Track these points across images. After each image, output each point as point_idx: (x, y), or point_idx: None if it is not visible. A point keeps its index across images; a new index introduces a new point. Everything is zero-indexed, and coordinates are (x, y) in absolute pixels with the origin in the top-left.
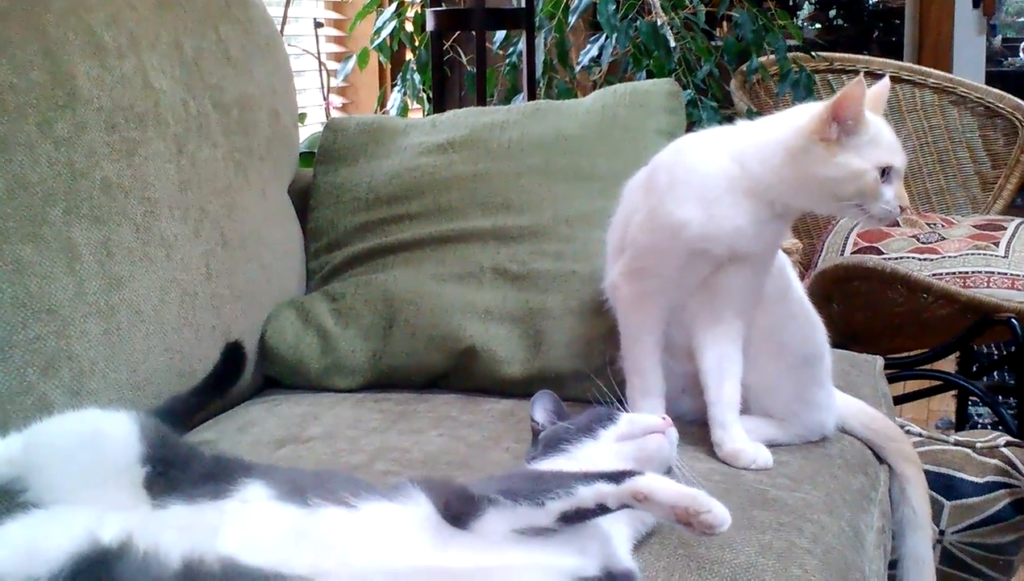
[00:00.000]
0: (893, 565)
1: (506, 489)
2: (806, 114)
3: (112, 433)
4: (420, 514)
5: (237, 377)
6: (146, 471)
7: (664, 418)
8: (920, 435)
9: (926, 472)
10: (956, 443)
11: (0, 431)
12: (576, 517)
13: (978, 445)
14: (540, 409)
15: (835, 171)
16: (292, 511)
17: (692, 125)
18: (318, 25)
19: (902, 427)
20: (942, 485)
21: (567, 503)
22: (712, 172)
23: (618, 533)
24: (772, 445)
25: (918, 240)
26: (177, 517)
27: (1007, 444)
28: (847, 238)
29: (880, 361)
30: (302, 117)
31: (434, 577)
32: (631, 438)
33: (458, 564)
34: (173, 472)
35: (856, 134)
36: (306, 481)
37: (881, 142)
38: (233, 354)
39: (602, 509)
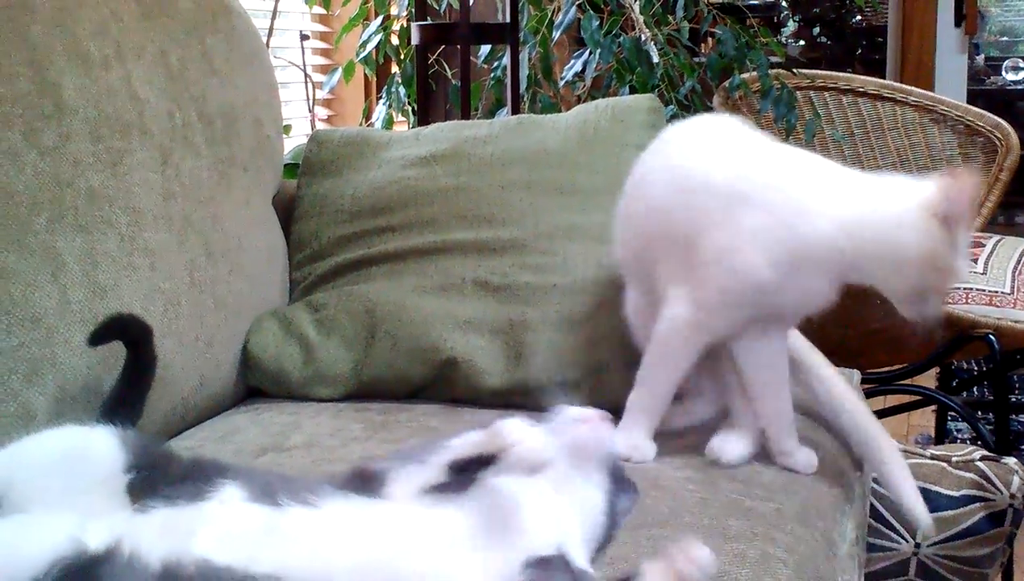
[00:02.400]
0: (870, 577)
1: (397, 455)
2: (926, 188)
3: (95, 448)
4: (336, 498)
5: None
6: (129, 478)
7: (601, 412)
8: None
9: None
10: (932, 457)
11: None
12: (463, 467)
13: (954, 459)
14: None
15: (940, 257)
16: (263, 511)
17: None
18: (304, 37)
19: None
20: None
21: (447, 455)
22: (817, 241)
23: (572, 537)
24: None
25: None
26: (157, 520)
27: (983, 458)
28: None
29: (857, 375)
30: (287, 129)
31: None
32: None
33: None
34: (154, 476)
35: (962, 229)
36: (277, 482)
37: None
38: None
39: (484, 462)
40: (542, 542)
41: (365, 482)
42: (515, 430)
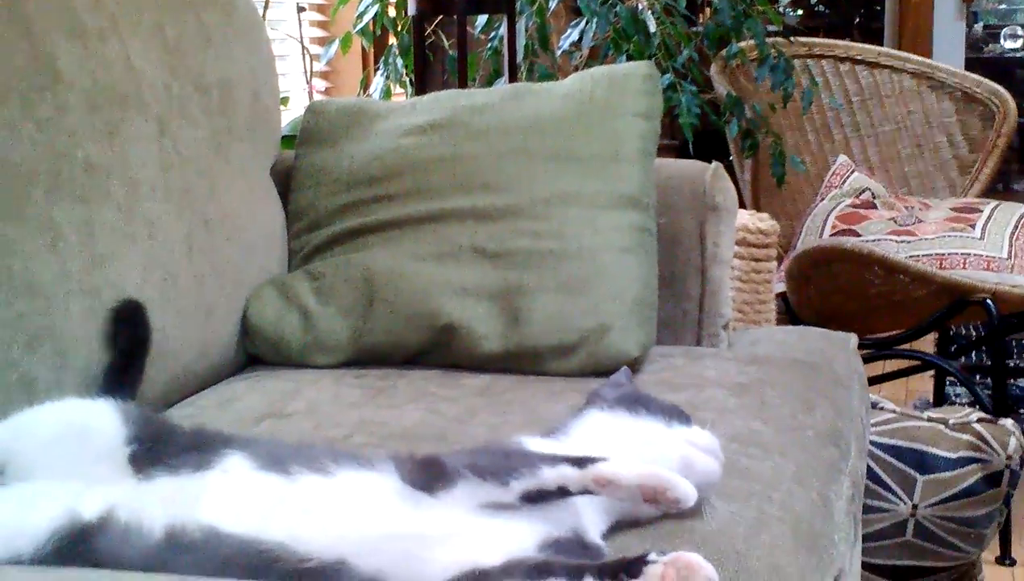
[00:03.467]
0: (868, 538)
1: (474, 465)
2: None
3: (95, 420)
4: (392, 482)
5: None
6: (131, 450)
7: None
8: (894, 411)
9: (900, 447)
10: (929, 419)
11: None
12: (538, 497)
13: (951, 421)
14: (608, 388)
15: None
16: (272, 480)
17: (672, 109)
18: (301, 10)
19: (876, 404)
20: (915, 460)
21: (530, 483)
22: None
23: (589, 513)
24: None
25: (896, 222)
26: (161, 489)
27: (979, 420)
28: (826, 220)
29: (854, 338)
30: (285, 101)
31: (405, 541)
32: (699, 451)
33: (427, 529)
34: (157, 447)
35: None
36: (285, 452)
37: None
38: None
39: (563, 492)
40: (557, 522)
41: (431, 477)
42: (615, 474)
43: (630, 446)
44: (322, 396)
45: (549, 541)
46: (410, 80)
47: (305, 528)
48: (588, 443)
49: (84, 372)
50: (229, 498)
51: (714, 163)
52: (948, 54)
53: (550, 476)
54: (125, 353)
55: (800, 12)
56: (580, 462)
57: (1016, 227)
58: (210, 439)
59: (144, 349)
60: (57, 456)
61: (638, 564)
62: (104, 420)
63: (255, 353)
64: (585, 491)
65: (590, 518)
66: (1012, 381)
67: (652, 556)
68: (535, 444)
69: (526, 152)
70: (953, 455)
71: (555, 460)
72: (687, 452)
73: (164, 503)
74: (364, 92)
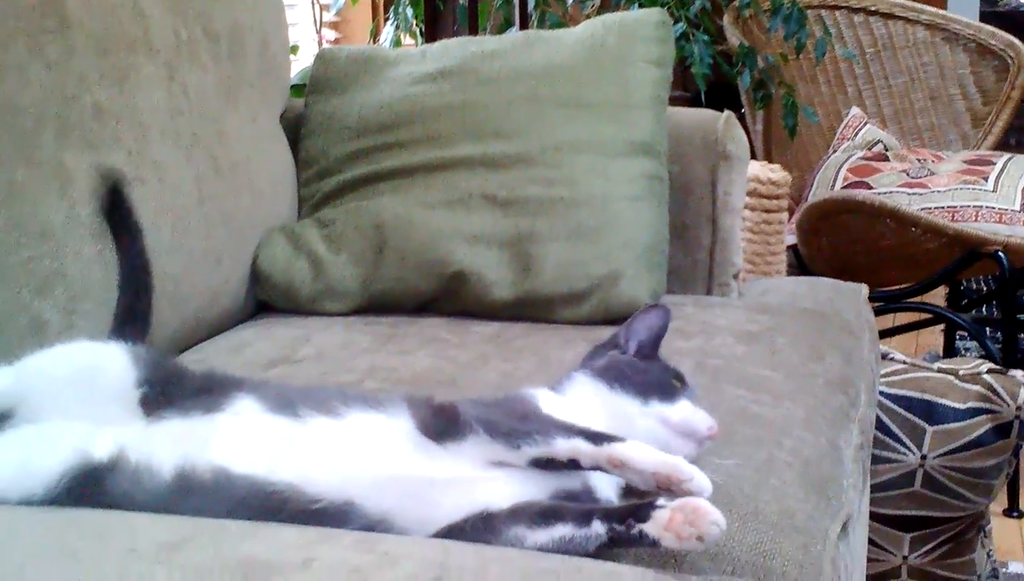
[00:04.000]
0: (876, 488)
1: (488, 421)
2: None
3: (106, 362)
4: (403, 426)
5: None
6: (141, 392)
7: (711, 427)
8: (904, 362)
9: (909, 398)
10: (940, 370)
11: None
12: (548, 465)
13: (961, 372)
14: (637, 328)
15: None
16: (282, 422)
17: (684, 60)
18: None
19: (886, 355)
20: (924, 411)
21: (541, 451)
22: None
23: (601, 478)
24: None
25: (908, 175)
26: (171, 430)
27: (989, 371)
28: (838, 172)
29: (864, 289)
30: (294, 50)
31: (414, 484)
32: (672, 431)
33: (437, 473)
34: (168, 390)
35: None
36: (295, 395)
37: None
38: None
39: (574, 464)
40: (568, 479)
41: (443, 425)
42: (630, 458)
43: (603, 419)
44: (332, 342)
45: (560, 493)
46: (420, 30)
47: (314, 470)
48: (577, 406)
49: (95, 316)
50: (239, 440)
51: (726, 111)
52: (963, 6)
53: (563, 448)
54: (130, 292)
55: None
56: (596, 439)
57: None
58: (220, 382)
59: (148, 284)
60: (68, 398)
61: (646, 509)
62: (115, 362)
63: (265, 300)
64: (596, 467)
65: (601, 481)
66: (1023, 334)
67: (660, 501)
68: (547, 400)
69: (537, 99)
70: (963, 406)
71: (570, 431)
72: (656, 431)
73: (175, 445)
74: (374, 42)
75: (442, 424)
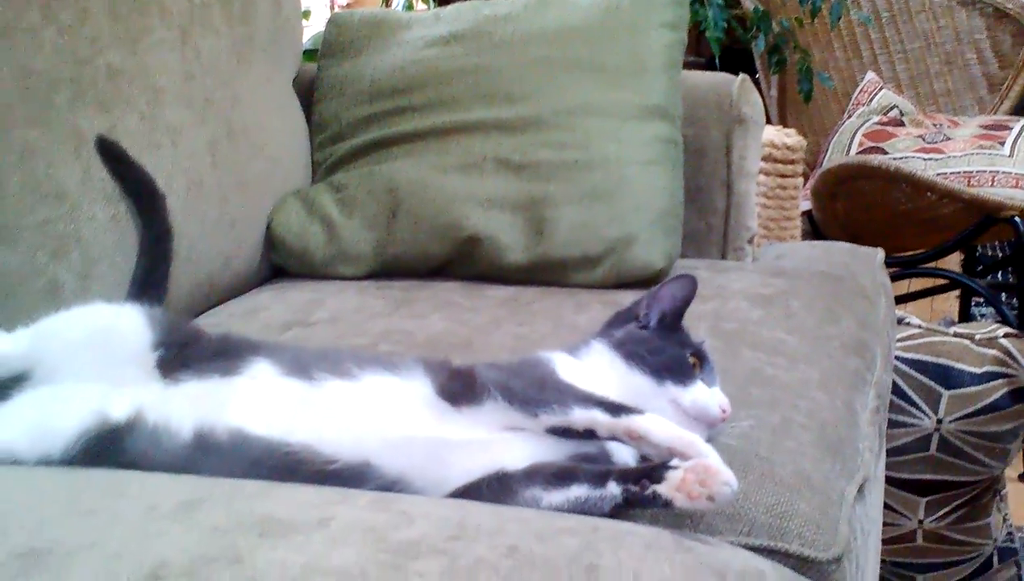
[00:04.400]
0: (892, 452)
1: (506, 387)
2: None
3: (122, 324)
4: (419, 388)
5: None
6: (158, 355)
7: (724, 410)
8: (920, 327)
9: (925, 363)
10: (956, 335)
11: (11, 315)
12: (565, 434)
13: (977, 337)
14: (662, 298)
15: None
16: (297, 385)
17: (698, 24)
18: None
19: (902, 319)
20: (940, 375)
21: (559, 419)
22: None
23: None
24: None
25: (923, 140)
26: (188, 392)
27: (1006, 335)
28: (853, 138)
29: (880, 253)
30: (306, 15)
31: (429, 445)
32: (684, 414)
33: (453, 435)
34: (184, 352)
35: None
36: (310, 358)
37: None
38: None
39: (591, 434)
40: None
41: (460, 388)
42: (648, 431)
43: (618, 390)
44: (346, 306)
45: (577, 456)
46: None
47: (330, 431)
48: (594, 374)
49: (109, 279)
50: (256, 402)
51: (741, 75)
52: None
53: (580, 418)
54: (150, 256)
55: None
56: (614, 410)
57: None
58: (236, 345)
59: (168, 250)
60: (85, 360)
61: (660, 470)
62: (132, 324)
63: (279, 264)
64: (613, 438)
65: (619, 445)
66: None
67: (674, 462)
68: (564, 365)
69: (550, 62)
70: (979, 370)
71: (588, 401)
72: (668, 413)
73: (192, 406)
74: (386, 5)
75: (459, 387)
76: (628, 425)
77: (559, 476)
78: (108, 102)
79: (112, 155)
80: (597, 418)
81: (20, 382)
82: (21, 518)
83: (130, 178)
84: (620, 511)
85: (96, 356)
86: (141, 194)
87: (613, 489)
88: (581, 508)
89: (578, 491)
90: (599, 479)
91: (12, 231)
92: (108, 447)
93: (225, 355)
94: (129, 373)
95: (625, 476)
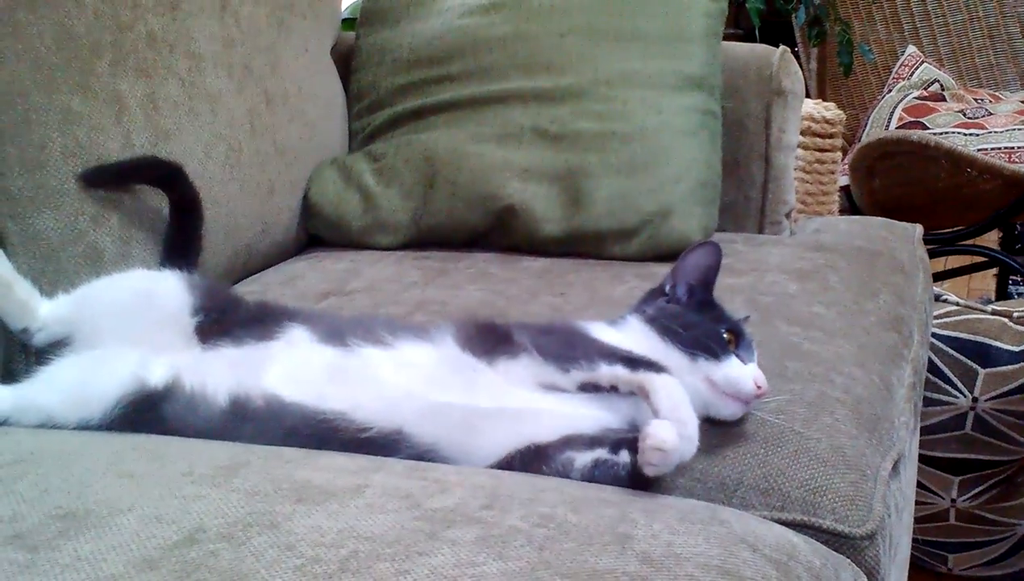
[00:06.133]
0: (926, 430)
1: (540, 344)
2: None
3: (161, 290)
4: (451, 352)
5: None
6: (197, 320)
7: (760, 387)
8: (957, 304)
9: (962, 340)
10: (993, 313)
11: (51, 279)
12: (593, 389)
13: (1015, 314)
14: (685, 269)
15: None
16: (332, 352)
17: None
18: None
19: (939, 296)
20: (977, 353)
21: (588, 375)
22: None
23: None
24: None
25: (964, 115)
26: (225, 357)
27: None
28: (892, 112)
29: (919, 228)
30: None
31: (463, 413)
32: (716, 391)
33: (485, 402)
34: (222, 318)
35: None
36: (346, 325)
37: None
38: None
39: (614, 389)
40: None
41: (493, 342)
42: (655, 390)
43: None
44: (383, 275)
45: (606, 431)
46: None
47: (364, 398)
48: (632, 344)
49: (149, 244)
50: (292, 369)
51: (781, 46)
52: None
53: (605, 373)
54: (179, 223)
55: None
56: (634, 364)
57: None
58: (273, 312)
59: (197, 215)
60: (124, 325)
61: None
62: (171, 290)
63: (316, 233)
64: (632, 393)
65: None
66: None
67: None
68: (600, 332)
69: (589, 31)
70: (1016, 348)
71: (613, 356)
72: (700, 390)
73: (229, 372)
74: None
75: (492, 340)
76: (641, 382)
77: (587, 444)
78: (148, 68)
79: (102, 177)
80: (618, 373)
81: (60, 347)
82: (61, 480)
83: (128, 168)
84: (648, 483)
85: (135, 322)
86: (151, 174)
87: (625, 457)
88: (604, 474)
89: (600, 453)
90: (615, 447)
91: (54, 196)
92: (146, 412)
93: (261, 321)
94: (167, 339)
95: (632, 445)
